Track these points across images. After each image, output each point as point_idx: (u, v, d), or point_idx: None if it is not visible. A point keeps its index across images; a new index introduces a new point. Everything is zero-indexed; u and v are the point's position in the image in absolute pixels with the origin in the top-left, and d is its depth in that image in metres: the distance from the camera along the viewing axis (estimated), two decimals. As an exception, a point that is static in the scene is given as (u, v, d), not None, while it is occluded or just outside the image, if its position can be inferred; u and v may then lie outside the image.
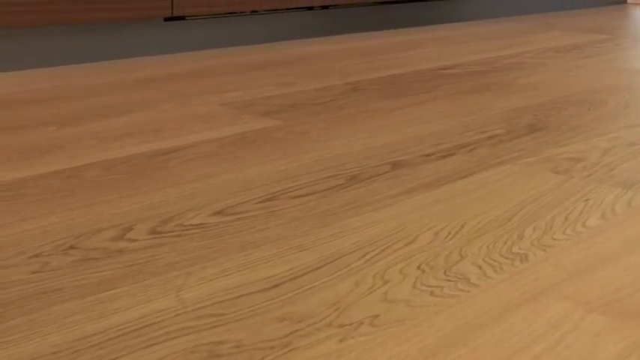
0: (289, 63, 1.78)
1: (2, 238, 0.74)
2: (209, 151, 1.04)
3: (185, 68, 1.70)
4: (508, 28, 2.53)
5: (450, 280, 0.65)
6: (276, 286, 0.64)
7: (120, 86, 1.49)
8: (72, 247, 0.72)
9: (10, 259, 0.69)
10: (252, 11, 2.07)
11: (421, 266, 0.68)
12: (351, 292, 0.63)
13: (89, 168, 0.96)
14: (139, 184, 0.90)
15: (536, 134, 1.14)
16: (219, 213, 0.81)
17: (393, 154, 1.03)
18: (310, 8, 2.22)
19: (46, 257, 0.70)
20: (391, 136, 1.12)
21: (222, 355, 0.53)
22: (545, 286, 0.64)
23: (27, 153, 1.03)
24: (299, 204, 0.84)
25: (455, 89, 1.48)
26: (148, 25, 1.87)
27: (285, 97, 1.40)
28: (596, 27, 2.55)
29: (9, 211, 0.81)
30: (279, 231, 0.76)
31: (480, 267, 0.68)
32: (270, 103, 1.34)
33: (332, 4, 2.25)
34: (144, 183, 0.91)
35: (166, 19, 1.91)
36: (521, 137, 1.12)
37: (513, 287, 0.64)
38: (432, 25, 2.59)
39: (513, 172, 0.95)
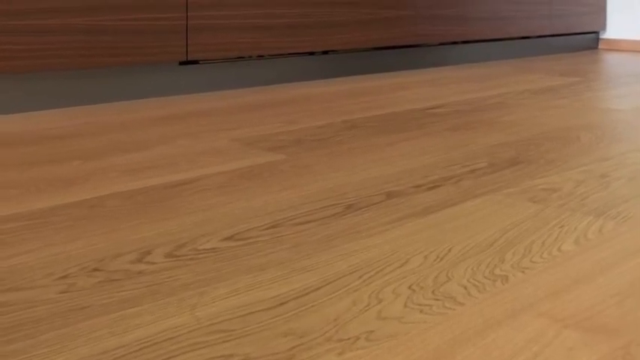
0: (293, 103, 1.79)
1: (33, 262, 0.74)
2: (220, 183, 1.04)
3: (198, 108, 1.71)
4: (490, 71, 2.54)
5: (438, 299, 0.66)
6: (281, 304, 0.65)
7: (139, 124, 1.50)
8: (96, 270, 0.72)
9: (40, 280, 0.69)
10: (259, 56, 2.09)
11: (412, 286, 0.68)
12: (348, 309, 0.63)
13: (111, 198, 0.97)
14: (156, 212, 0.91)
15: (516, 167, 1.14)
16: (229, 238, 0.81)
17: (387, 185, 1.04)
18: (312, 53, 2.24)
19: (73, 278, 0.70)
20: (385, 169, 1.13)
21: (232, 366, 0.54)
22: (524, 304, 0.64)
23: (55, 184, 1.03)
24: (302, 230, 0.84)
25: (442, 126, 1.49)
26: (164, 68, 1.89)
27: (289, 133, 1.41)
28: (570, 70, 2.56)
29: (39, 237, 0.81)
30: (283, 255, 0.77)
31: (465, 287, 0.68)
32: (275, 139, 1.35)
33: (331, 49, 2.27)
34: (161, 211, 0.91)
35: (181, 63, 1.93)
36: (503, 170, 1.13)
37: (495, 306, 0.64)
38: (422, 69, 2.60)
39: (495, 202, 0.96)
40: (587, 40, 3.47)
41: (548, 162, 1.18)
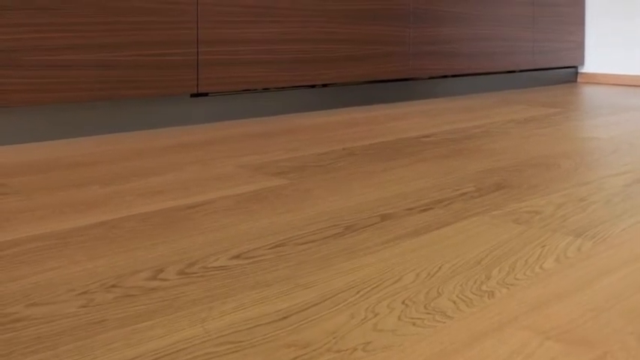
0: (295, 132, 1.80)
1: (55, 278, 0.75)
2: (228, 206, 1.05)
3: (208, 136, 1.72)
4: (477, 103, 2.55)
5: (429, 313, 0.66)
6: (284, 318, 0.65)
7: (153, 152, 1.51)
8: (114, 286, 0.73)
9: (62, 296, 0.70)
10: (265, 89, 2.11)
11: (405, 301, 0.69)
12: (347, 322, 0.64)
13: (128, 220, 0.97)
14: (169, 233, 0.91)
15: (502, 191, 1.15)
16: (236, 257, 0.82)
17: (382, 208, 1.04)
18: (313, 86, 2.26)
19: (92, 294, 0.70)
20: (380, 193, 1.13)
21: (239, 375, 0.54)
22: (509, 318, 0.65)
23: (77, 207, 1.04)
24: (304, 249, 0.85)
25: (433, 154, 1.50)
26: (177, 100, 1.91)
27: (292, 160, 1.41)
28: (551, 102, 2.58)
29: (62, 256, 0.82)
30: (287, 272, 0.77)
31: (454, 302, 0.69)
32: (279, 165, 1.35)
33: (331, 82, 2.29)
34: (173, 232, 0.92)
35: (192, 95, 1.94)
36: (489, 194, 1.13)
37: (482, 319, 0.65)
38: (414, 100, 2.62)
39: (482, 223, 0.96)
40: (566, 74, 3.49)
41: (531, 186, 1.18)
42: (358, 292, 0.71)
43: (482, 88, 2.97)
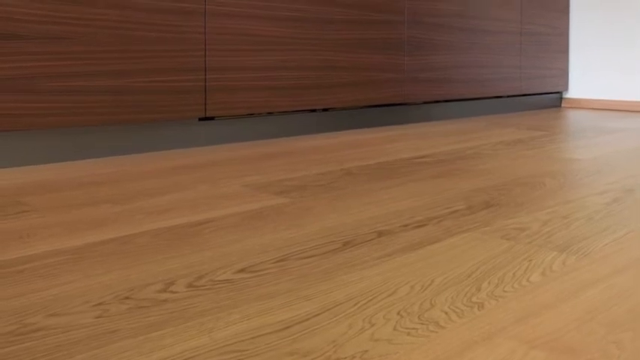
0: (297, 153, 1.81)
1: (72, 291, 0.75)
2: (234, 223, 1.05)
3: (214, 158, 1.72)
4: (467, 126, 2.56)
5: (423, 324, 0.66)
6: (286, 328, 0.65)
7: (163, 172, 1.51)
8: (127, 298, 0.73)
9: (78, 307, 0.70)
10: (268, 113, 2.12)
11: (400, 312, 0.69)
12: (345, 332, 0.64)
13: (139, 236, 0.98)
14: (178, 248, 0.92)
15: (490, 209, 1.15)
16: (242, 271, 0.82)
17: (378, 224, 1.05)
18: (313, 110, 2.28)
19: (107, 305, 0.71)
20: (377, 211, 1.14)
21: (245, 381, 0.54)
22: (498, 328, 0.65)
23: (90, 224, 1.04)
24: (305, 264, 0.85)
25: (427, 174, 1.50)
26: (185, 123, 1.92)
27: (293, 180, 1.42)
28: (537, 125, 2.59)
29: (77, 270, 0.82)
30: (289, 285, 0.77)
31: (446, 313, 0.69)
32: (282, 185, 1.36)
33: (330, 107, 2.30)
34: (182, 247, 0.92)
35: (200, 119, 1.96)
36: (479, 212, 1.13)
37: (472, 329, 0.65)
38: (409, 124, 2.63)
39: (472, 239, 0.96)
40: (551, 99, 3.51)
41: (518, 205, 1.18)
42: (356, 303, 0.71)
43: (473, 113, 2.99)
